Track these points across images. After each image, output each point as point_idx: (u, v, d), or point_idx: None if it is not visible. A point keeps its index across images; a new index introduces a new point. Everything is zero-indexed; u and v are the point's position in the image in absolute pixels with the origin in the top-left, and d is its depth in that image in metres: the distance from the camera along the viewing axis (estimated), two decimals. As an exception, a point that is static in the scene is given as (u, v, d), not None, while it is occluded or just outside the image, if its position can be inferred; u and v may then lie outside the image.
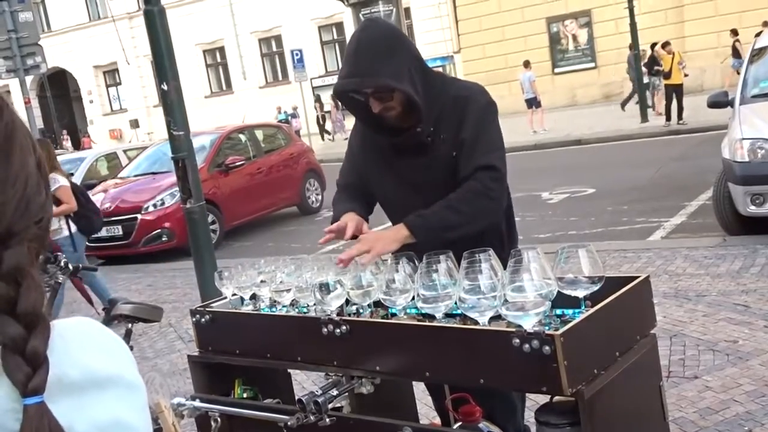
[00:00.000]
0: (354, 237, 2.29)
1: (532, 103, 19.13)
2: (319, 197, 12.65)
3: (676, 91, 15.86)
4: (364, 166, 2.55)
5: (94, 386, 0.76)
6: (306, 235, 10.63)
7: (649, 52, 18.21)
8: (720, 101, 7.58)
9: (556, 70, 25.63)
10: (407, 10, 26.12)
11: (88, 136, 33.44)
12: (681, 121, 15.77)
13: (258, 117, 23.92)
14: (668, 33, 21.55)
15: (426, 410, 3.35)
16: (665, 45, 16.37)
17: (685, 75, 16.38)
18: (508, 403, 2.43)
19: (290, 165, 12.28)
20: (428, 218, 2.25)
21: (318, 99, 28.81)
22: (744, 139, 6.41)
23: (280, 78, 32.97)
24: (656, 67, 17.54)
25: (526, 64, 19.75)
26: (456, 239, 2.19)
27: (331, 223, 2.42)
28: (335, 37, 31.58)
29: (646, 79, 18.13)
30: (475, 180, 2.27)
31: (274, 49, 33.37)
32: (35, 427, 0.70)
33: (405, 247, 2.20)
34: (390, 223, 2.57)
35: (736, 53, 20.15)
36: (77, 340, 0.79)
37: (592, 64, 25.28)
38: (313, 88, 29.36)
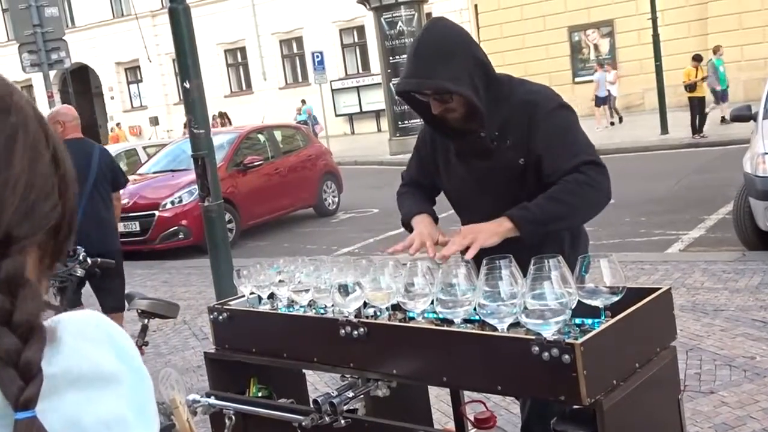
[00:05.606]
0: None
1: (604, 101, 20.45)
2: (336, 199, 12.66)
3: (700, 104, 15.82)
4: (432, 162, 2.53)
5: (101, 380, 0.76)
6: (322, 236, 10.64)
7: None
8: (743, 115, 7.52)
9: (577, 79, 25.47)
10: (429, 15, 26.13)
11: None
12: (702, 134, 15.69)
13: (277, 118, 23.99)
14: (691, 45, 21.40)
15: (438, 416, 3.34)
16: (696, 58, 16.33)
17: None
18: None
19: (308, 166, 12.30)
20: (532, 210, 2.14)
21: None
22: (767, 153, 6.35)
23: (300, 80, 33.06)
24: None
25: (601, 65, 21.64)
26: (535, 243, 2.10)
27: (402, 219, 2.45)
28: (356, 40, 31.61)
29: None
30: (578, 172, 2.19)
31: (295, 50, 33.47)
32: None
33: (507, 242, 2.09)
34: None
35: None
36: (85, 334, 0.78)
37: (613, 75, 25.15)
38: (333, 90, 29.39)
